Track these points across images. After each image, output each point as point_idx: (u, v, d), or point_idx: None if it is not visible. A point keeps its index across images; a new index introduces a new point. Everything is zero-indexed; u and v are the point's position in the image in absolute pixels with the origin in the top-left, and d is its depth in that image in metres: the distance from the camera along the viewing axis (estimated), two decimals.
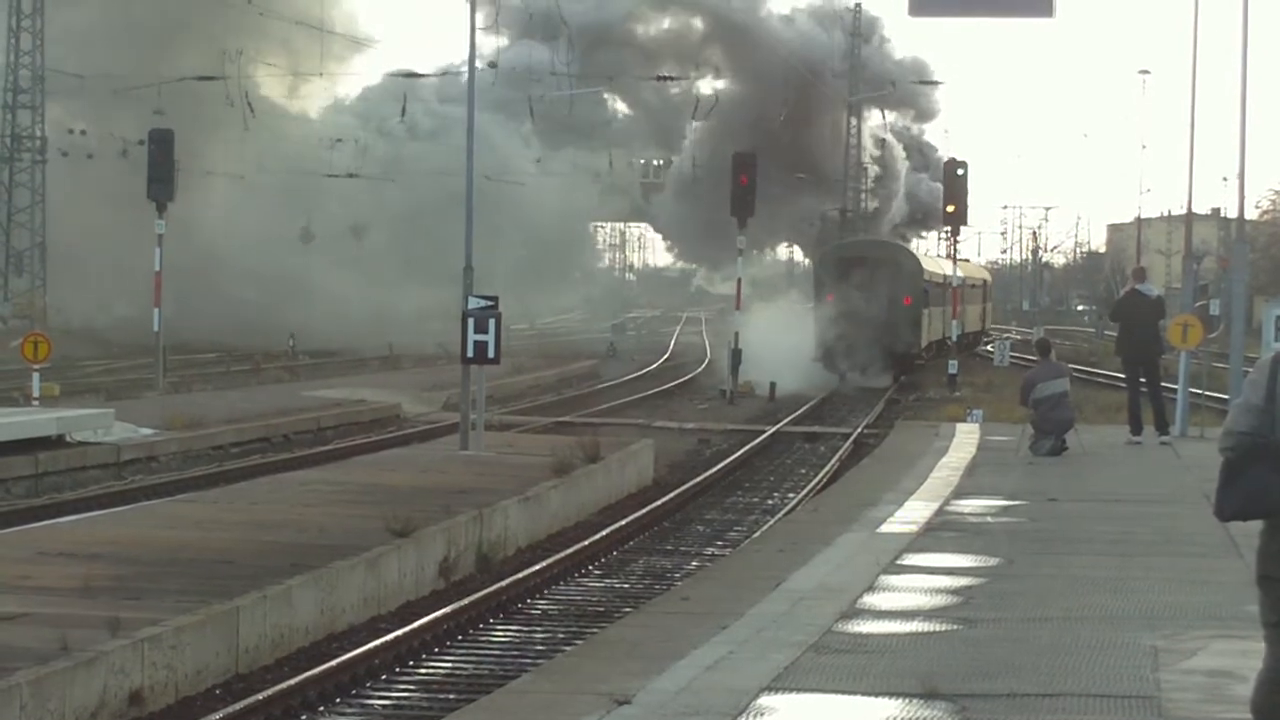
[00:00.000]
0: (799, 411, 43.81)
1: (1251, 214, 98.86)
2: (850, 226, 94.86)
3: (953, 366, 51.37)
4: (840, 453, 33.27)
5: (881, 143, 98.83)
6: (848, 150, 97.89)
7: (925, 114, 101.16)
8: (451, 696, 14.01)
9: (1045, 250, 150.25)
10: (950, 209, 51.55)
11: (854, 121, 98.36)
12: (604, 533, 22.43)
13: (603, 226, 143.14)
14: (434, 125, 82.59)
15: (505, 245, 77.87)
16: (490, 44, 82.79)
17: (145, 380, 46.76)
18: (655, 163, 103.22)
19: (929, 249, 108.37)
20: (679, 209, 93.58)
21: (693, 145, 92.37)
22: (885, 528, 18.27)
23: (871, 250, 62.59)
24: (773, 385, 50.25)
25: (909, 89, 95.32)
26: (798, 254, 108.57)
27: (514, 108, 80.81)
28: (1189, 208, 36.68)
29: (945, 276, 60.77)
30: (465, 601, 17.23)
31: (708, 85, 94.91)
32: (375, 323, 70.70)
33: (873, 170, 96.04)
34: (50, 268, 72.76)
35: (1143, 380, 27.69)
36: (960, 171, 51.39)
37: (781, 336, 56.47)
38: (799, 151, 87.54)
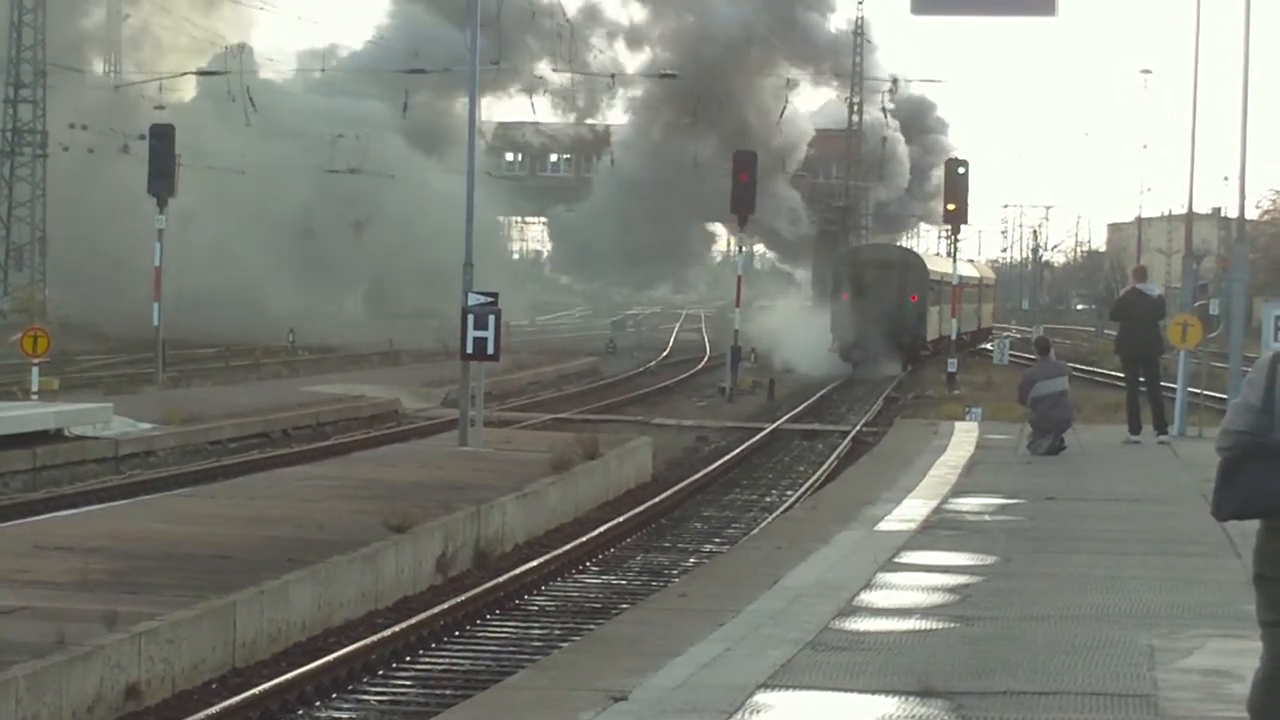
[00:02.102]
0: (798, 409, 43.81)
1: (1252, 214, 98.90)
2: (851, 224, 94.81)
3: (952, 365, 51.40)
4: (839, 450, 33.28)
5: (883, 140, 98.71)
6: (849, 145, 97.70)
7: (872, 92, 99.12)
8: (448, 692, 14.00)
9: (1045, 249, 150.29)
10: (951, 208, 51.58)
11: (856, 118, 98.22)
12: (602, 529, 22.44)
13: None
14: (288, 118, 75.95)
15: (413, 242, 76.91)
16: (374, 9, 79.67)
17: (144, 375, 46.75)
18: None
19: (928, 247, 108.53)
20: (611, 213, 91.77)
21: (628, 137, 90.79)
22: (883, 525, 18.27)
23: (882, 253, 69.89)
24: (771, 383, 50.41)
25: (845, 60, 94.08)
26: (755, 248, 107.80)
27: (395, 90, 78.16)
28: (1189, 207, 36.68)
29: (949, 275, 62.36)
30: (463, 597, 17.23)
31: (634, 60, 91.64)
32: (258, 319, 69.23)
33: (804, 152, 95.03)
34: (50, 262, 72.72)
35: (1142, 379, 27.68)
36: (961, 170, 51.41)
37: (790, 331, 60.86)
38: (735, 128, 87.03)
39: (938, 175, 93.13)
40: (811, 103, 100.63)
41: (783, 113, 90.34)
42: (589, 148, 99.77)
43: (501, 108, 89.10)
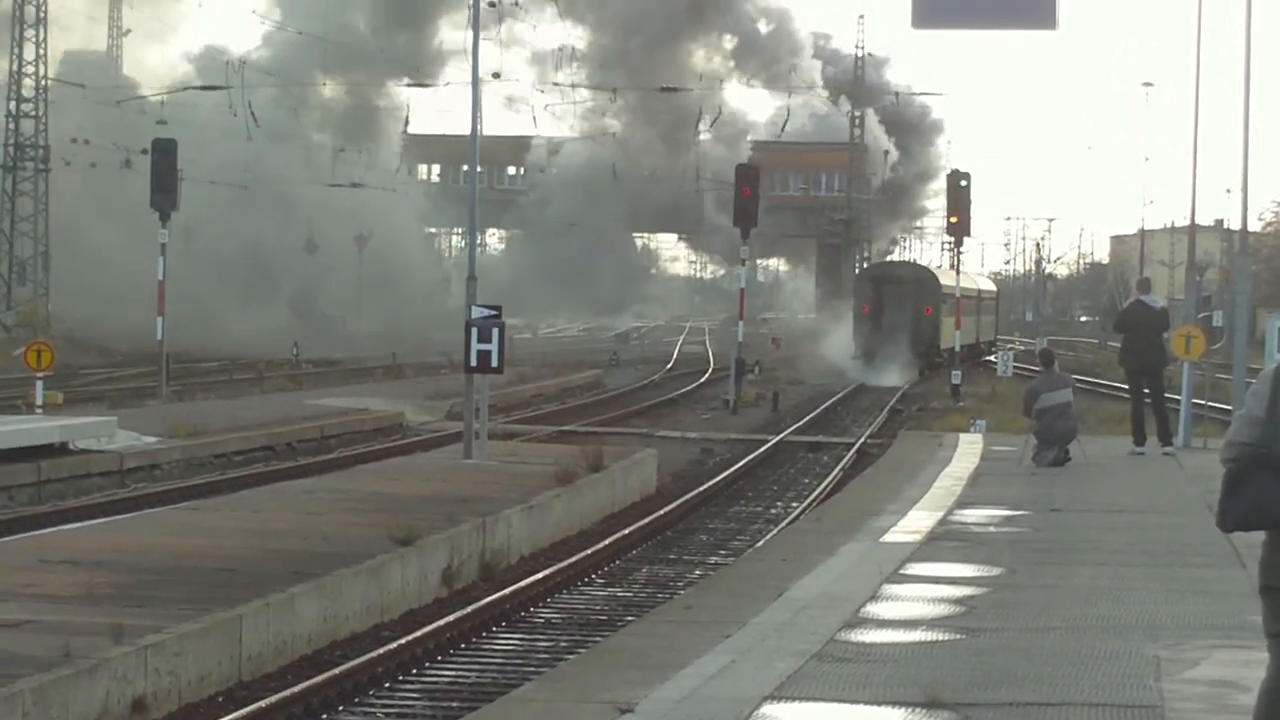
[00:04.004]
0: (802, 421, 43.78)
1: (1254, 226, 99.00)
2: (853, 236, 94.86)
3: (956, 376, 51.40)
4: (843, 462, 33.26)
5: (884, 154, 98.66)
6: (852, 161, 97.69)
7: (864, 98, 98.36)
8: (454, 705, 14.01)
9: (1048, 261, 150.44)
10: (953, 220, 51.59)
11: (858, 132, 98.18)
12: (607, 541, 22.43)
13: None
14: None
15: (336, 254, 76.68)
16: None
17: (148, 388, 46.75)
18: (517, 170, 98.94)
19: (930, 259, 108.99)
20: (553, 223, 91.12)
21: (562, 144, 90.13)
22: (888, 537, 18.28)
23: (898, 270, 77.05)
24: (775, 395, 50.42)
25: (806, 63, 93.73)
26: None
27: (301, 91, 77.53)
28: (1192, 219, 36.57)
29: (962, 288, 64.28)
30: (468, 610, 17.23)
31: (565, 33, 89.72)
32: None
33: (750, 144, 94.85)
34: (52, 276, 72.79)
35: (1146, 391, 27.69)
36: (963, 183, 51.41)
37: (804, 341, 65.45)
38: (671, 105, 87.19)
39: (930, 185, 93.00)
40: (759, 112, 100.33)
41: (785, 125, 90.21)
42: (519, 155, 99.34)
43: (423, 116, 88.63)
